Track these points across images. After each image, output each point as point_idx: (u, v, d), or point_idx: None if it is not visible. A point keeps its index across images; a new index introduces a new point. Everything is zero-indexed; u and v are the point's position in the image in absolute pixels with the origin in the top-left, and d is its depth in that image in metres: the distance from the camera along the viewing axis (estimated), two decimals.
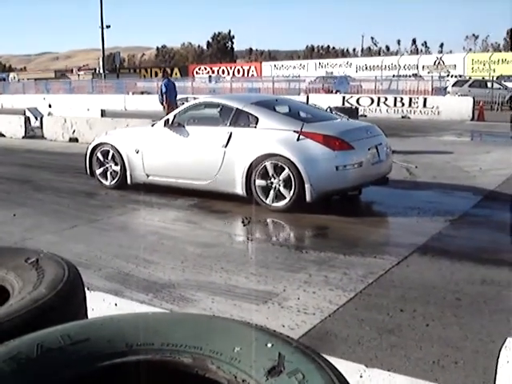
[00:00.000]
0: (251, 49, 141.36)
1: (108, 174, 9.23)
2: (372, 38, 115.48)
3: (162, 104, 16.92)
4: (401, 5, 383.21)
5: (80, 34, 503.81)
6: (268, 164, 7.44)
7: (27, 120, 18.54)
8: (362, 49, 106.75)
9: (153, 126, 8.99)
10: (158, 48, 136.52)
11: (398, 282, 4.97)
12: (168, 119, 8.55)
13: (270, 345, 1.53)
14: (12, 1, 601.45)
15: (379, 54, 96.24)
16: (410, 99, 25.67)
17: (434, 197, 8.45)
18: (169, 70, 79.88)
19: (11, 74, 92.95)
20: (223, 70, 75.19)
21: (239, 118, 7.97)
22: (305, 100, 25.99)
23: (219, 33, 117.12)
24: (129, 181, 8.96)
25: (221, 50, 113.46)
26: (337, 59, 78.48)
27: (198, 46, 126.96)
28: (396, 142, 12.57)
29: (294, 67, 70.85)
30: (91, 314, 2.15)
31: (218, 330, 1.56)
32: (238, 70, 76.16)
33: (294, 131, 7.47)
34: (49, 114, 19.93)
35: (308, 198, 7.22)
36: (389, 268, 5.30)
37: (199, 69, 78.93)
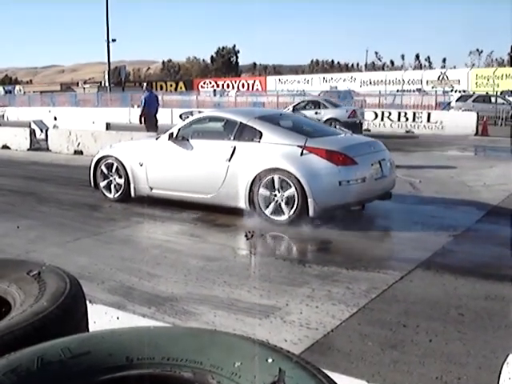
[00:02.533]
0: (255, 63, 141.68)
1: (112, 186, 9.25)
2: (376, 53, 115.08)
3: (141, 116, 17.18)
4: (405, 20, 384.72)
5: (86, 48, 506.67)
6: (276, 177, 7.44)
7: (32, 132, 18.62)
8: (366, 63, 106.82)
9: (157, 139, 9.01)
10: (163, 62, 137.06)
11: (401, 297, 4.96)
12: (172, 133, 8.57)
13: (270, 360, 1.52)
14: (18, 15, 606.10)
15: (383, 69, 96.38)
16: (414, 114, 25.73)
17: (438, 211, 8.44)
18: (174, 84, 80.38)
19: (17, 87, 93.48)
20: (228, 84, 75.49)
21: (243, 133, 7.98)
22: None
23: (224, 47, 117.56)
24: (132, 194, 8.98)
25: (225, 64, 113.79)
26: (341, 74, 78.61)
27: (203, 60, 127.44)
28: (400, 157, 12.59)
29: (299, 82, 70.99)
30: (93, 328, 2.15)
31: (218, 345, 1.55)
32: (243, 84, 76.37)
33: (298, 146, 7.48)
34: (54, 127, 20.02)
35: (311, 212, 7.21)
36: (392, 283, 5.29)
37: (204, 83, 79.19)
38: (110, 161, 9.22)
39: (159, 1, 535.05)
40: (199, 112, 21.44)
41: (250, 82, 77.49)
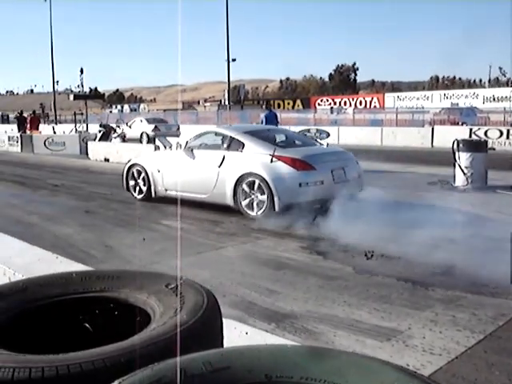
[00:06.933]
0: (373, 80, 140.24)
1: (138, 188, 11.39)
2: (500, 68, 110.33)
3: None
4: None
5: (206, 68, 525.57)
6: (245, 184, 9.27)
7: (157, 149, 19.34)
8: (490, 79, 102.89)
9: (171, 149, 11.54)
10: (281, 80, 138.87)
11: None
12: (181, 144, 10.74)
13: None
14: (143, 38, 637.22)
15: (508, 85, 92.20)
16: None
17: None
18: (291, 102, 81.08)
19: (142, 105, 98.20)
20: (345, 102, 75.01)
21: (231, 144, 9.85)
22: (430, 132, 25.48)
23: (342, 65, 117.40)
24: (153, 194, 11.06)
25: (343, 81, 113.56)
26: (462, 90, 76.10)
27: (320, 77, 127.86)
28: None
29: (418, 98, 69.36)
30: (225, 342, 2.20)
31: (356, 367, 1.54)
32: (360, 101, 75.66)
33: (270, 155, 9.24)
34: (177, 144, 20.70)
35: (276, 208, 8.92)
36: None
37: (321, 100, 79.28)
38: (137, 168, 11.41)
39: (276, 21, 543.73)
40: (317, 130, 21.99)
41: (368, 99, 76.65)
